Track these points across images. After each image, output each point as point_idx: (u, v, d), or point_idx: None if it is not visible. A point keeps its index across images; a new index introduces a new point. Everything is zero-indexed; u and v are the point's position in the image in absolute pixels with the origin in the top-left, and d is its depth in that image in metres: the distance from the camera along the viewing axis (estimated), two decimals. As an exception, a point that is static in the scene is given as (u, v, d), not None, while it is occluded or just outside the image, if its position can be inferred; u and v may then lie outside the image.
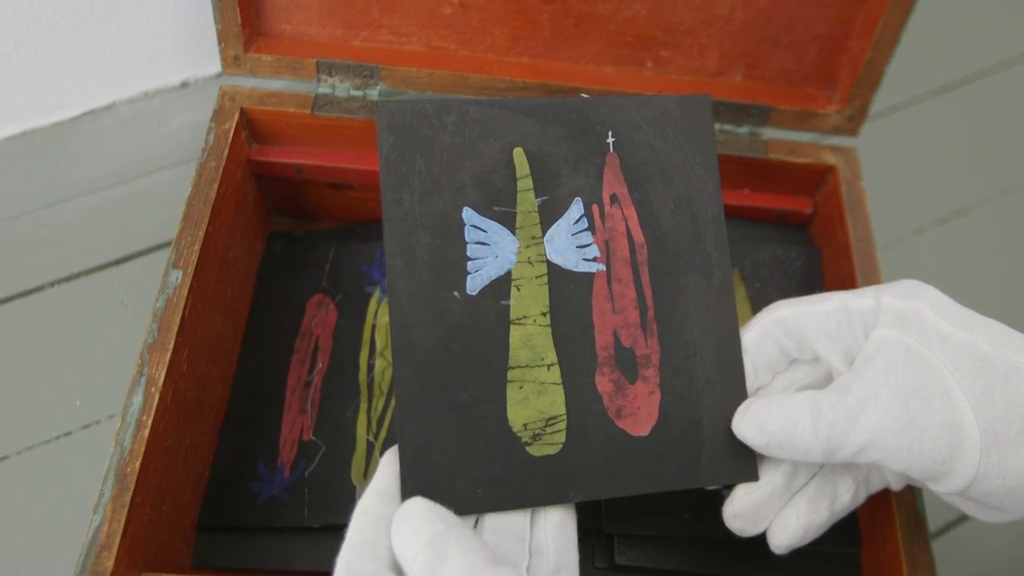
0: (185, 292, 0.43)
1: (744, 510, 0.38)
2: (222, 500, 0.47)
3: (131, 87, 0.65)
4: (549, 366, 0.38)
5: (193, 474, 0.46)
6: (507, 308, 0.38)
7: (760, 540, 0.39)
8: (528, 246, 0.38)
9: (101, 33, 0.61)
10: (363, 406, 0.49)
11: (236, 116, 0.50)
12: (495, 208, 0.38)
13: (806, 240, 0.55)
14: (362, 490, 0.45)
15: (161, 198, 0.61)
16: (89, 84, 0.63)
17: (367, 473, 0.47)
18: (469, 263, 0.37)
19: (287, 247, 0.56)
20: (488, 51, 0.53)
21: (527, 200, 0.39)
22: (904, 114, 0.72)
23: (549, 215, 0.39)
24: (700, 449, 0.38)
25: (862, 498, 0.39)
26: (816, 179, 0.54)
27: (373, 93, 0.52)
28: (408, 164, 0.38)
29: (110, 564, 0.36)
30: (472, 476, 0.36)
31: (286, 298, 0.53)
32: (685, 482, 0.38)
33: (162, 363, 0.41)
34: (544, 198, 0.39)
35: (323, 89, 0.52)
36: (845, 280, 0.50)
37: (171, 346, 0.42)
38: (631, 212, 0.40)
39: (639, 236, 0.39)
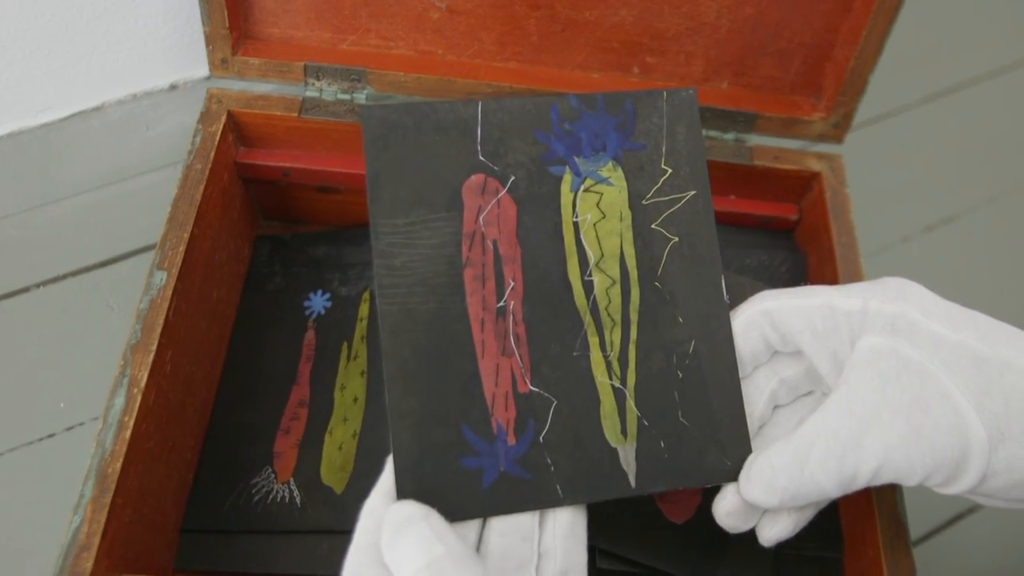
0: (169, 293, 0.43)
1: (736, 507, 0.37)
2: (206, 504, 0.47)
3: (120, 89, 0.65)
4: None
5: (176, 476, 0.46)
6: None
7: (741, 547, 0.39)
8: None
9: (90, 35, 0.61)
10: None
11: (223, 118, 0.50)
12: None
13: (791, 246, 0.56)
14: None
15: (148, 200, 0.61)
16: (78, 85, 0.63)
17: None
18: None
19: (274, 251, 0.56)
20: (475, 56, 0.53)
21: None
22: (891, 122, 0.73)
23: None
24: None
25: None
26: (801, 186, 0.54)
27: (360, 97, 0.52)
28: None
29: (89, 565, 0.36)
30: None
31: (275, 300, 0.54)
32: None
33: (145, 364, 0.41)
34: None
35: (310, 92, 0.52)
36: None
37: (154, 347, 0.42)
38: None
39: None
